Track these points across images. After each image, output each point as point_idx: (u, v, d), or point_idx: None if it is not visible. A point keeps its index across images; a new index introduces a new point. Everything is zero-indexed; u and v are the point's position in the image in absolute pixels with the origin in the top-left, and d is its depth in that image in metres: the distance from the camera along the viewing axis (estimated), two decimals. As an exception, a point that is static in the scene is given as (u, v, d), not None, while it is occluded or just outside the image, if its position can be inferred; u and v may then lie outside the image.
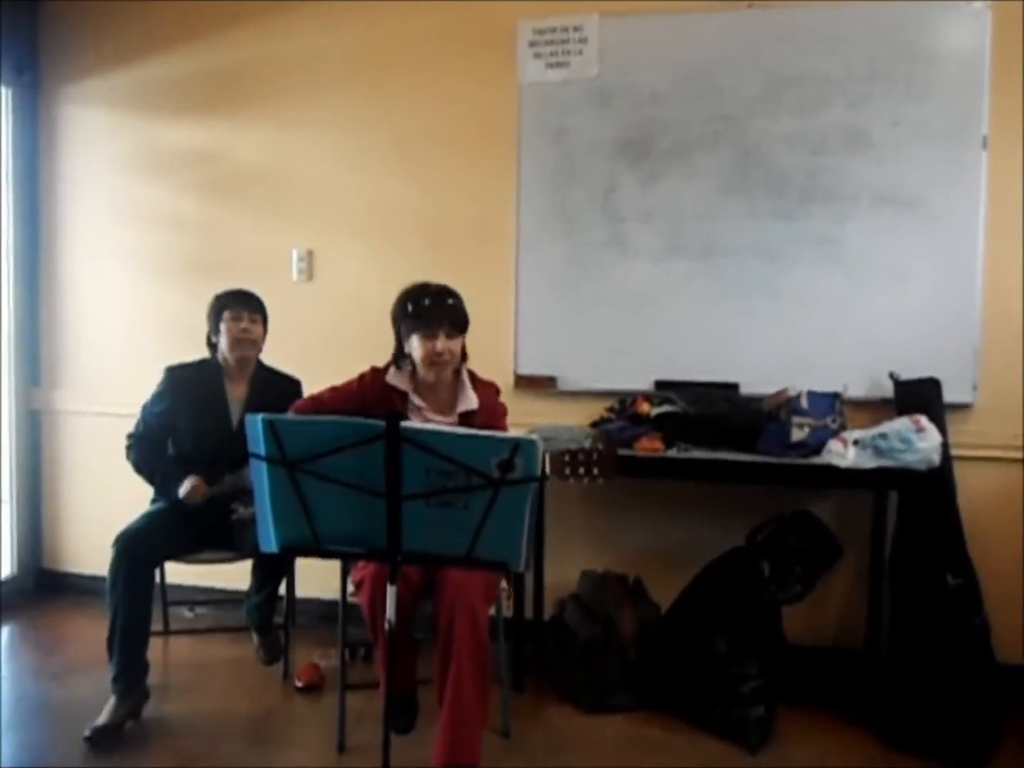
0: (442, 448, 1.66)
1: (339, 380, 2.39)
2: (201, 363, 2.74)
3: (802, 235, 2.88)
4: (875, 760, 2.40)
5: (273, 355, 2.84)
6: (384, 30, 3.23)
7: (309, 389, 2.45)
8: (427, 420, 2.30)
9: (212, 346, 2.74)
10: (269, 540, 1.77)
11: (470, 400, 2.34)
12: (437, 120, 3.21)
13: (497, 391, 2.45)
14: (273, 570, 2.66)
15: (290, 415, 1.72)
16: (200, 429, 2.62)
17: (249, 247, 3.39)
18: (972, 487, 2.72)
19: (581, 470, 1.87)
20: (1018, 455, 2.78)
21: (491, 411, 2.37)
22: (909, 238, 2.80)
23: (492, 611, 2.28)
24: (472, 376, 2.41)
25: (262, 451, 1.69)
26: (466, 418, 2.33)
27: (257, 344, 2.72)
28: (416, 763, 2.11)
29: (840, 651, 2.89)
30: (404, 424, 1.66)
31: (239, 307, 2.68)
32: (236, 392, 2.71)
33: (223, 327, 2.67)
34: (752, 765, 2.38)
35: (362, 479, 1.69)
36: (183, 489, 2.54)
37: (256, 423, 1.68)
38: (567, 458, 1.86)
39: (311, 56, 3.31)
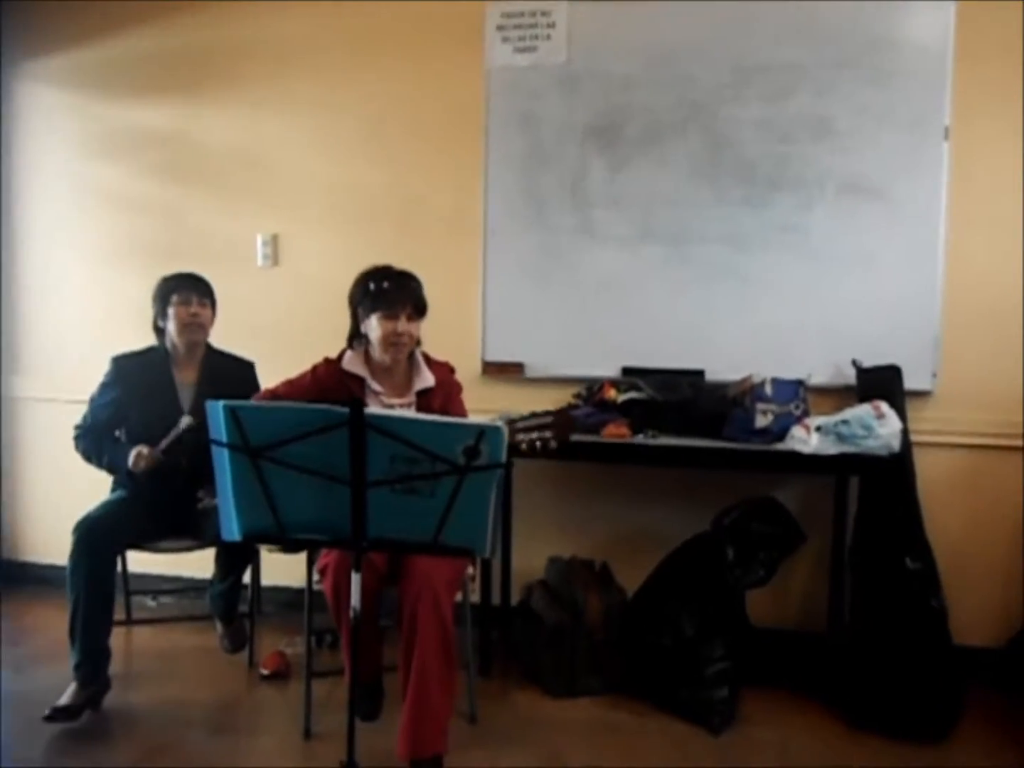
0: (407, 435, 1.65)
1: (306, 368, 2.37)
2: (148, 350, 2.70)
3: (769, 222, 2.90)
4: (837, 739, 2.45)
5: (237, 342, 2.80)
6: (352, 13, 3.19)
7: (273, 376, 2.42)
8: (385, 404, 2.29)
9: (159, 331, 2.70)
10: (232, 529, 1.75)
11: (426, 378, 2.35)
12: (404, 103, 3.18)
13: (452, 370, 2.45)
14: (237, 558, 2.63)
15: (252, 401, 1.69)
16: (150, 417, 2.58)
17: (213, 231, 3.34)
18: (931, 473, 2.78)
19: (535, 434, 1.87)
20: (975, 441, 2.84)
21: (447, 389, 2.38)
22: (873, 226, 2.83)
23: (459, 597, 2.28)
24: (426, 357, 2.41)
25: (223, 438, 1.67)
26: (423, 396, 2.33)
27: (206, 328, 2.68)
28: (382, 749, 2.11)
29: (803, 634, 2.93)
30: (369, 411, 1.65)
31: (187, 291, 2.63)
32: (185, 377, 2.67)
33: (171, 312, 2.63)
34: (716, 746, 2.41)
35: (326, 466, 1.68)
36: (129, 459, 2.50)
37: (217, 409, 1.66)
38: (520, 424, 1.87)
39: (278, 38, 3.26)
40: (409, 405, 2.31)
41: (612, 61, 2.96)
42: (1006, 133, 2.77)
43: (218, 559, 2.66)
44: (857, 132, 2.82)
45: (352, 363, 2.33)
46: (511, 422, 1.89)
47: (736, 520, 2.62)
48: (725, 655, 2.53)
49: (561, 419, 1.89)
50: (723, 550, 2.56)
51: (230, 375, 2.67)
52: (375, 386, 2.32)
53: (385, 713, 2.32)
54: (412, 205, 3.19)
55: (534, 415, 1.91)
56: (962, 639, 2.66)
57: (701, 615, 2.57)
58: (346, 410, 1.63)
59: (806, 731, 2.49)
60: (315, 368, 2.36)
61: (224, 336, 2.78)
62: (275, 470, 1.69)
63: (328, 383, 2.30)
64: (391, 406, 2.29)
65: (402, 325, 2.25)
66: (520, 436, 1.88)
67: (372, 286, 2.28)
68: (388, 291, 2.26)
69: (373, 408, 2.18)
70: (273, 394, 2.32)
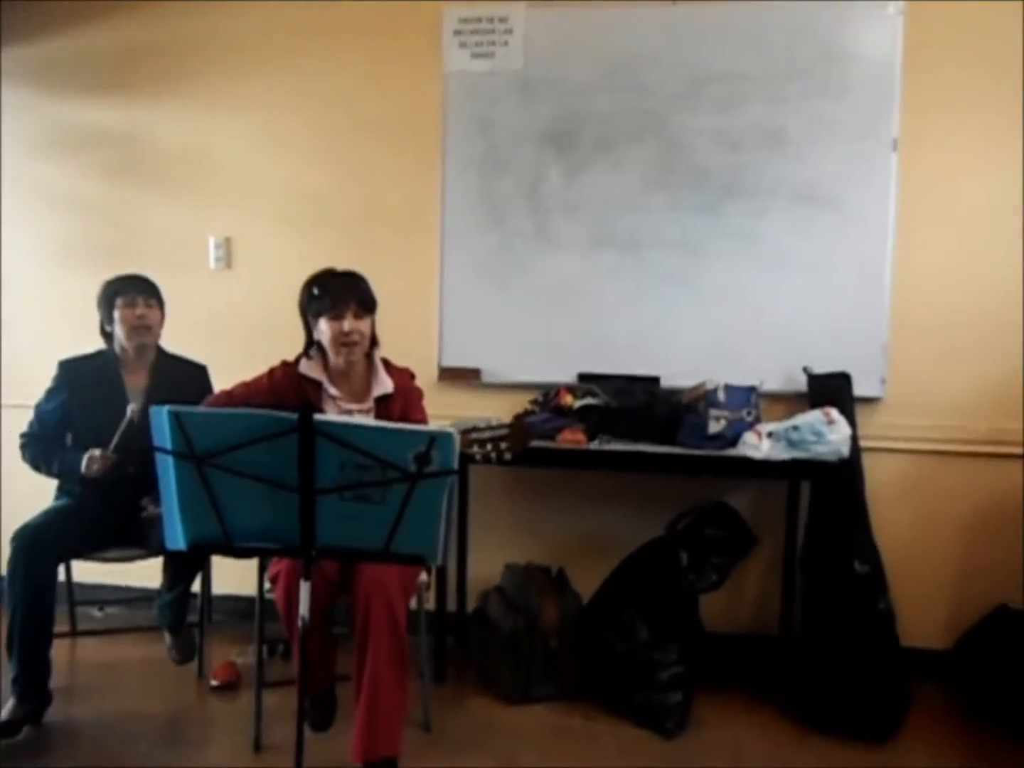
0: (357, 441, 1.63)
1: (262, 371, 2.34)
2: (97, 354, 2.63)
3: (723, 230, 2.93)
4: (787, 740, 2.48)
5: (189, 346, 2.75)
6: (309, 13, 3.15)
7: (227, 381, 2.38)
8: (343, 409, 2.27)
9: (107, 335, 2.63)
10: (176, 537, 1.72)
11: (385, 384, 2.32)
12: (362, 106, 3.15)
13: (412, 376, 2.44)
14: (185, 567, 2.58)
15: (199, 407, 1.66)
16: (99, 422, 2.50)
17: (164, 233, 3.27)
18: (879, 477, 2.83)
19: (489, 446, 1.87)
20: (922, 447, 2.90)
21: (407, 395, 2.37)
22: (823, 235, 2.88)
23: (413, 604, 2.27)
24: (386, 362, 2.39)
25: (168, 445, 1.63)
26: (382, 402, 2.31)
27: (154, 330, 2.62)
28: (334, 760, 2.09)
29: (756, 637, 2.96)
30: (318, 417, 1.63)
31: (132, 292, 2.58)
32: (136, 382, 2.61)
33: (117, 315, 2.57)
34: (669, 749, 2.43)
35: (274, 473, 1.65)
36: (82, 463, 2.44)
37: (161, 415, 1.62)
38: (474, 435, 1.86)
39: (232, 37, 3.20)
40: (368, 411, 2.29)
41: (569, 68, 2.97)
42: (953, 144, 2.83)
43: (166, 568, 2.60)
44: (808, 142, 2.86)
45: (309, 368, 2.31)
46: (466, 432, 1.88)
47: (689, 525, 2.64)
48: (679, 659, 2.55)
49: (516, 430, 1.89)
50: (677, 555, 2.58)
51: (182, 379, 2.61)
52: (333, 391, 2.30)
53: (339, 723, 2.29)
54: (369, 208, 3.16)
55: (489, 425, 1.91)
56: (910, 640, 2.72)
57: (655, 620, 2.59)
58: (294, 416, 1.61)
59: (758, 733, 2.52)
60: (272, 371, 2.33)
61: (177, 339, 2.72)
62: (222, 477, 1.66)
63: (285, 387, 2.28)
64: (349, 412, 2.27)
65: (349, 324, 2.23)
66: (475, 447, 1.88)
67: (315, 290, 2.28)
68: (331, 292, 2.25)
69: (330, 415, 2.18)
70: (229, 395, 2.29)
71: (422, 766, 2.25)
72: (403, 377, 2.39)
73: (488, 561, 3.00)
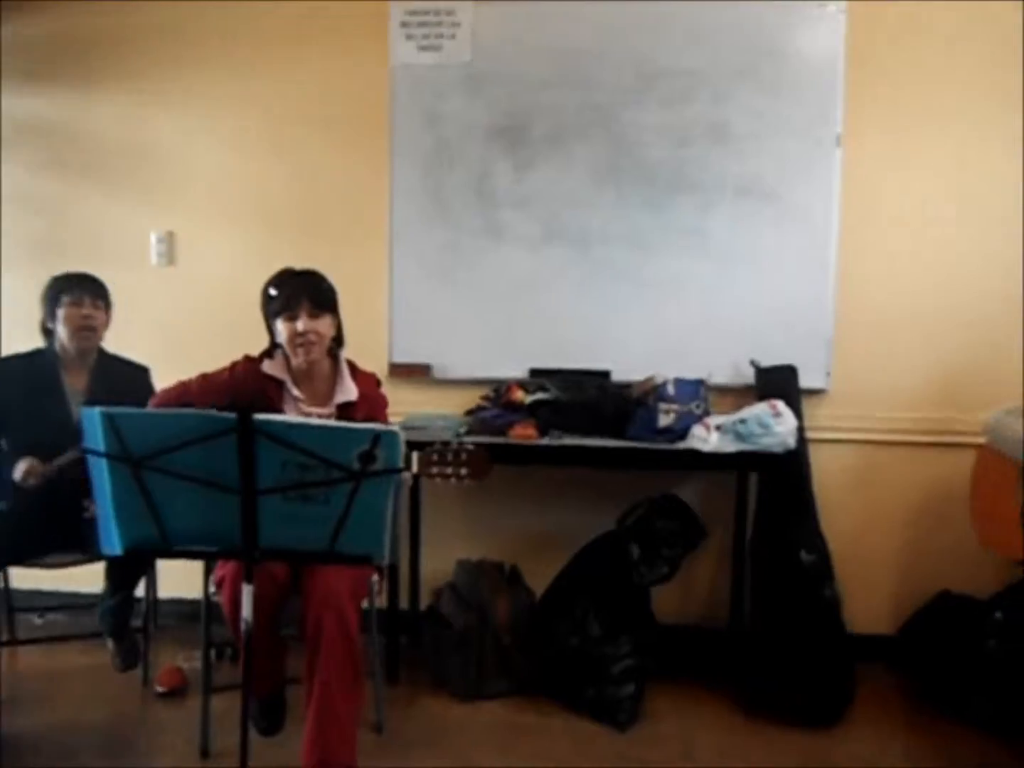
0: (299, 441, 1.61)
1: (203, 372, 2.28)
2: (35, 353, 2.56)
3: (671, 225, 2.95)
4: (736, 728, 2.52)
5: (130, 345, 2.68)
6: (253, 6, 3.08)
7: (167, 380, 2.32)
8: (303, 412, 2.24)
9: (47, 333, 2.56)
10: (112, 542, 1.67)
11: (349, 390, 2.29)
12: (307, 98, 3.10)
13: (378, 382, 2.41)
14: (129, 571, 2.51)
15: (130, 408, 1.61)
16: (37, 424, 2.43)
17: (103, 229, 3.18)
18: (825, 468, 2.88)
19: (449, 470, 1.85)
20: (867, 437, 2.95)
21: (372, 403, 2.33)
22: (769, 230, 2.91)
23: (364, 604, 2.24)
24: (352, 366, 2.36)
25: (101, 447, 1.59)
26: (345, 409, 2.27)
27: (99, 332, 2.56)
28: (284, 765, 2.05)
29: (707, 628, 2.99)
30: (258, 417, 1.60)
31: (80, 291, 2.51)
32: (76, 383, 2.54)
33: (61, 313, 2.50)
34: (622, 742, 2.44)
35: (215, 474, 1.62)
36: (17, 471, 2.36)
37: (93, 417, 1.58)
38: (435, 457, 1.84)
39: (174, 27, 3.12)
40: (329, 416, 2.25)
41: (517, 62, 2.96)
42: (894, 140, 2.89)
43: (108, 573, 2.53)
44: (753, 138, 2.89)
45: (273, 367, 2.27)
46: (426, 454, 1.84)
47: (640, 518, 2.66)
48: (631, 652, 2.57)
49: (477, 459, 1.85)
50: (628, 548, 2.60)
51: (123, 381, 2.55)
52: (295, 392, 2.26)
53: (290, 727, 2.25)
54: (315, 203, 3.11)
55: (448, 446, 1.87)
56: (856, 627, 2.78)
57: (607, 614, 2.60)
58: (233, 416, 1.57)
59: (709, 722, 2.55)
60: (234, 365, 2.29)
61: (115, 338, 2.66)
62: (159, 479, 1.62)
63: (246, 384, 2.23)
64: (309, 415, 2.23)
65: (303, 323, 2.19)
66: (434, 469, 1.85)
67: (272, 290, 2.25)
68: (285, 292, 2.22)
69: (271, 415, 2.13)
70: (185, 387, 2.24)
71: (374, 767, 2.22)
72: (368, 383, 2.36)
73: (441, 558, 2.99)
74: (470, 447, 1.86)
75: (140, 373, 2.64)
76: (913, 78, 2.86)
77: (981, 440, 2.59)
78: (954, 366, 2.90)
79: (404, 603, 2.93)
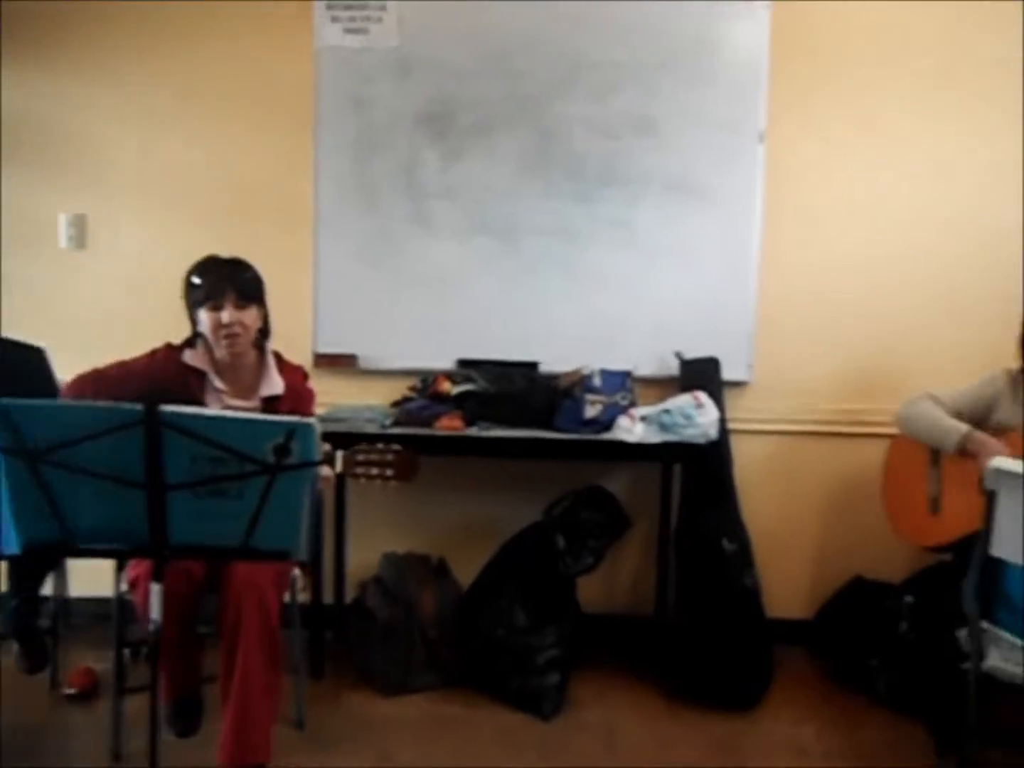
0: (210, 434, 1.55)
1: (115, 360, 2.19)
2: None
3: (598, 217, 2.96)
4: (658, 714, 2.57)
5: (36, 333, 2.53)
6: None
7: (72, 370, 2.22)
8: (226, 404, 2.17)
9: None
10: (9, 540, 1.58)
11: (274, 384, 2.23)
12: (228, 78, 2.99)
13: (305, 376, 2.35)
14: (32, 569, 2.41)
15: (27, 400, 1.53)
16: None
17: (7, 210, 3.01)
18: (746, 458, 2.95)
19: (375, 470, 1.82)
20: (787, 428, 3.03)
21: (297, 397, 2.27)
22: (694, 223, 2.95)
23: (286, 598, 2.20)
24: (279, 359, 2.29)
25: (-6, 441, 1.50)
26: (270, 403, 2.21)
27: None
28: (198, 766, 2.00)
29: (633, 617, 3.03)
30: (165, 408, 1.54)
31: None
32: None
33: None
34: (544, 731, 2.46)
35: (121, 469, 1.55)
36: None
37: (-14, 409, 1.49)
38: (360, 457, 1.81)
39: (92, 5, 2.96)
40: (254, 410, 2.18)
41: (444, 49, 2.92)
42: (816, 135, 2.95)
43: (10, 571, 2.42)
44: (678, 131, 2.92)
45: (194, 357, 2.20)
46: (351, 454, 1.82)
47: (567, 510, 2.68)
48: (556, 642, 2.58)
49: (404, 459, 1.83)
50: (554, 539, 2.61)
51: (16, 364, 2.41)
52: (218, 384, 2.19)
53: (206, 725, 2.19)
54: (237, 188, 3.02)
55: (373, 446, 1.84)
56: (775, 612, 2.85)
57: (533, 604, 2.61)
58: (139, 408, 1.51)
59: (631, 709, 2.59)
60: (154, 352, 2.20)
61: (20, 324, 2.54)
62: (59, 474, 1.54)
63: (166, 373, 2.15)
64: (232, 408, 2.15)
65: (228, 315, 2.12)
66: (360, 469, 1.82)
67: (195, 279, 2.16)
68: (209, 280, 2.14)
69: (180, 407, 2.06)
70: (99, 374, 2.15)
71: (293, 766, 2.18)
72: (295, 377, 2.30)
73: (366, 551, 2.95)
74: (396, 448, 1.84)
75: (34, 354, 2.47)
76: (835, 75, 2.93)
77: (894, 430, 2.68)
78: (870, 359, 3.00)
79: (329, 597, 2.89)
